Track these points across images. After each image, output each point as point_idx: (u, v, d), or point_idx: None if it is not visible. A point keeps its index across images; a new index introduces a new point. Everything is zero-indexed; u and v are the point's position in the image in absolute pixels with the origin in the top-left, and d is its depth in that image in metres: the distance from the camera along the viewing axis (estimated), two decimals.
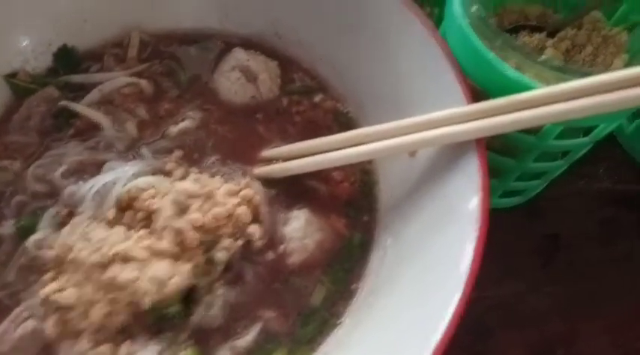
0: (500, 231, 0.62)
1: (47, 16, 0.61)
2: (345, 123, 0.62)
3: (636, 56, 0.52)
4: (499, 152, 0.56)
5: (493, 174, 0.55)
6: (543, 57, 0.56)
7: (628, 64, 0.52)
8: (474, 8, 0.49)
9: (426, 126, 0.49)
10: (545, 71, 0.46)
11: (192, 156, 0.59)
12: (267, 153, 0.59)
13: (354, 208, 0.57)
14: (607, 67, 0.54)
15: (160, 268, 0.49)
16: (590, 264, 0.65)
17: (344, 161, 0.54)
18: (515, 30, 0.60)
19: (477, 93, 0.50)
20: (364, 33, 0.59)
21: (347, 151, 0.53)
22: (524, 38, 0.59)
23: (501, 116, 0.45)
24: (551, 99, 0.43)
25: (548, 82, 0.45)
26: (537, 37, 0.58)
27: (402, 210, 0.53)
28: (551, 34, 0.58)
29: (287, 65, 0.65)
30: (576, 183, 0.70)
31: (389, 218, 0.55)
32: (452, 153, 0.49)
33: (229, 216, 0.52)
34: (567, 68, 0.48)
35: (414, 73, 0.55)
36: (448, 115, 0.48)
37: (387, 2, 0.56)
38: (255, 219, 0.54)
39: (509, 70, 0.47)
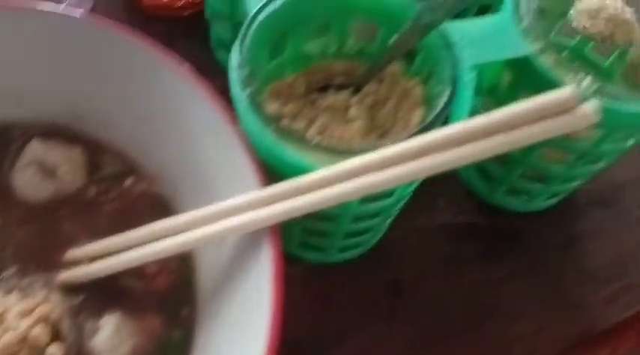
0: (342, 286, 0.61)
1: None
2: (159, 206, 0.58)
3: (431, 108, 0.52)
4: (318, 217, 0.54)
5: (320, 235, 0.57)
6: (350, 115, 0.56)
7: (424, 118, 0.52)
8: (248, 90, 0.47)
9: (230, 212, 0.47)
10: (322, 152, 0.44)
11: None
12: (72, 254, 0.54)
13: (172, 302, 0.53)
14: (406, 122, 0.53)
15: None
16: (435, 302, 0.65)
17: (154, 256, 0.50)
18: (324, 88, 0.59)
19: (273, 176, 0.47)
20: (168, 118, 0.56)
21: (157, 245, 0.49)
22: (330, 98, 0.58)
23: (293, 199, 0.43)
24: (336, 178, 0.42)
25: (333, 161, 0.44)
26: (343, 96, 0.57)
27: (218, 299, 0.51)
28: (357, 90, 0.58)
29: (93, 150, 0.61)
30: (416, 219, 0.69)
31: (207, 308, 0.52)
32: (250, 241, 0.47)
33: (23, 339, 0.47)
34: (339, 148, 0.46)
35: (216, 158, 0.53)
36: (245, 201, 0.46)
37: (186, 92, 0.52)
38: (56, 336, 0.49)
39: (287, 155, 0.45)
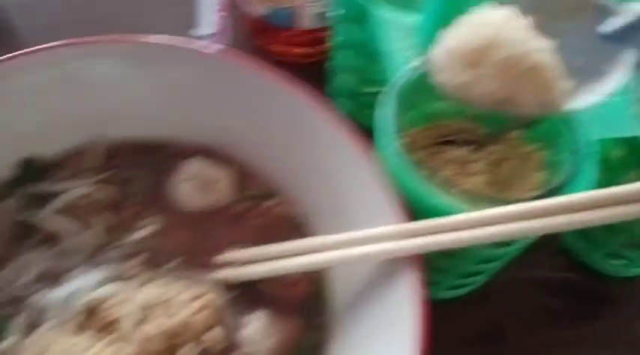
0: (446, 320, 0.68)
1: (12, 128, 0.65)
2: (295, 227, 0.67)
3: (552, 173, 0.60)
4: (443, 255, 0.62)
5: (438, 272, 0.63)
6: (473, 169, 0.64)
7: (545, 181, 0.60)
8: (399, 139, 0.56)
9: (367, 240, 0.55)
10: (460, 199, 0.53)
11: (154, 260, 0.62)
12: (224, 257, 0.63)
13: (307, 311, 0.61)
14: (526, 183, 0.61)
15: None
16: (535, 349, 0.71)
17: (295, 269, 0.59)
18: (446, 142, 0.68)
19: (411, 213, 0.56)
20: (313, 151, 0.65)
21: (298, 260, 0.58)
22: (456, 151, 0.66)
23: (436, 235, 0.52)
24: (472, 223, 0.51)
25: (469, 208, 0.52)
26: (465, 152, 0.66)
27: (352, 314, 0.59)
28: (477, 149, 0.66)
29: (243, 171, 0.71)
30: (514, 269, 0.76)
31: (340, 320, 0.60)
32: (391, 266, 0.55)
33: (191, 320, 0.56)
34: (475, 198, 0.54)
35: (352, 190, 0.61)
36: (385, 232, 0.54)
37: (331, 131, 0.61)
38: (216, 323, 0.57)
39: (431, 198, 0.54)
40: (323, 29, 0.86)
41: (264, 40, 0.95)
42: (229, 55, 0.65)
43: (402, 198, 0.56)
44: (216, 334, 0.56)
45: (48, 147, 0.68)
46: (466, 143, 0.68)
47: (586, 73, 0.54)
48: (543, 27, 0.51)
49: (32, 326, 0.56)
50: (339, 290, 0.62)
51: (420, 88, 0.62)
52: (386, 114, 0.58)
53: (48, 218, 0.63)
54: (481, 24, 0.51)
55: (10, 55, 0.61)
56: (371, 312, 0.56)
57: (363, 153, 0.59)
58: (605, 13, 0.53)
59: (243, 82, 0.65)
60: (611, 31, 0.53)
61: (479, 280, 0.69)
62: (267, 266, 0.60)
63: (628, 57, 0.53)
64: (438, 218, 0.53)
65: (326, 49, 0.86)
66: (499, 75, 0.49)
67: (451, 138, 0.69)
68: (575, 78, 0.53)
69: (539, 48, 0.49)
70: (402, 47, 0.64)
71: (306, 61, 0.94)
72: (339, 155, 0.62)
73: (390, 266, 0.55)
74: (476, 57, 0.50)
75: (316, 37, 0.89)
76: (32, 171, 0.67)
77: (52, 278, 0.59)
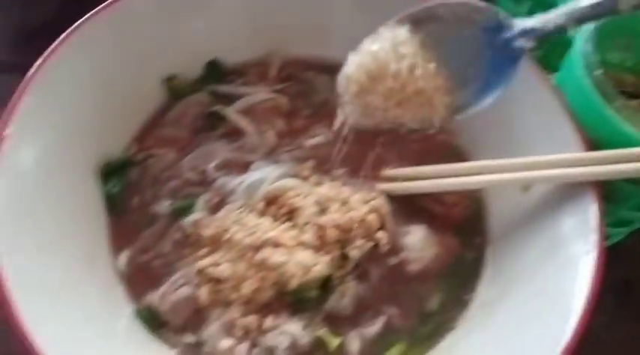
0: None
1: (206, 34, 0.70)
2: (456, 155, 0.69)
3: None
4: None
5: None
6: None
7: None
8: (598, 73, 0.58)
9: (540, 166, 0.57)
10: None
11: (323, 167, 0.67)
12: (388, 172, 0.67)
13: (465, 230, 0.64)
14: None
15: (305, 256, 0.57)
16: None
17: (460, 187, 0.62)
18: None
19: (588, 143, 0.58)
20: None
21: (464, 179, 0.61)
22: (622, 102, 0.67)
23: (619, 165, 0.54)
24: None
25: None
26: (635, 103, 0.67)
27: (512, 238, 0.61)
28: None
29: None
30: None
31: (498, 243, 0.63)
32: (566, 192, 0.56)
33: (362, 220, 0.60)
34: None
35: (528, 119, 0.63)
36: (563, 159, 0.56)
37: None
38: (382, 226, 0.61)
39: (628, 128, 0.55)
40: None
41: None
42: None
43: (582, 127, 0.58)
44: (382, 235, 0.60)
45: (231, 55, 0.73)
46: (633, 96, 0.69)
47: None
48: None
49: (217, 207, 0.62)
50: (500, 214, 0.64)
51: (609, 31, 0.63)
52: (584, 46, 0.59)
53: (232, 115, 0.68)
54: (372, 56, 0.56)
55: None
56: (535, 239, 0.58)
57: (543, 81, 0.61)
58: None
59: None
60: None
61: (618, 232, 0.70)
62: (430, 183, 0.63)
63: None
64: (620, 149, 0.54)
65: None
66: (385, 101, 0.56)
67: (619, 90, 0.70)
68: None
69: (423, 74, 0.55)
70: None
71: None
72: (516, 82, 0.62)
73: (563, 194, 0.57)
74: (365, 86, 0.56)
75: None
76: (216, 73, 0.72)
77: (235, 167, 0.64)
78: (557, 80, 0.64)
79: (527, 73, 0.62)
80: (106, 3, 0.60)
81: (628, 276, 0.74)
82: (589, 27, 0.61)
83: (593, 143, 0.58)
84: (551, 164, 0.57)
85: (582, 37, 0.61)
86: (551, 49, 0.78)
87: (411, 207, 0.65)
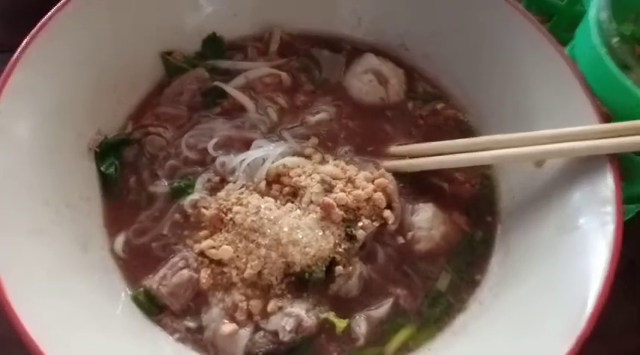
0: None
1: (206, 7, 0.68)
2: (465, 130, 0.67)
3: None
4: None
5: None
6: None
7: None
8: (615, 41, 0.55)
9: (554, 139, 0.55)
10: None
11: (326, 144, 0.65)
12: (394, 149, 0.64)
13: (475, 208, 0.62)
14: None
15: (309, 236, 0.54)
16: None
17: (469, 163, 0.60)
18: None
19: (603, 114, 0.55)
20: (489, 49, 0.65)
21: (473, 154, 0.59)
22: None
23: (636, 137, 0.51)
24: None
25: None
26: None
27: (524, 216, 0.59)
28: None
29: (411, 74, 0.71)
30: None
31: (509, 221, 0.61)
32: (581, 167, 0.54)
33: (367, 199, 0.58)
34: None
35: (539, 91, 0.60)
36: (577, 132, 0.54)
37: (514, 22, 0.61)
38: (389, 205, 0.59)
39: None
40: None
41: None
42: None
43: (596, 98, 0.55)
44: (388, 215, 0.58)
45: (230, 30, 0.70)
46: None
47: None
48: None
49: (217, 187, 0.60)
50: (511, 190, 0.62)
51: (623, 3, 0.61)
52: (599, 14, 0.57)
53: (232, 90, 0.66)
54: None
55: None
56: (549, 216, 0.55)
57: (555, 50, 0.58)
58: None
59: None
60: None
61: (629, 209, 0.67)
62: (437, 159, 0.60)
63: None
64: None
65: None
66: None
67: None
68: None
69: None
70: None
71: None
72: (526, 55, 0.61)
73: (577, 168, 0.54)
74: None
75: None
76: (215, 48, 0.69)
77: (236, 145, 0.62)
78: (568, 51, 0.62)
79: (538, 42, 0.60)
80: None
81: (634, 257, 0.72)
82: None
83: (607, 115, 0.56)
84: (565, 137, 0.55)
85: (596, 5, 0.58)
86: (558, 21, 0.76)
87: (418, 184, 0.62)
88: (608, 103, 0.56)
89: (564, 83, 0.57)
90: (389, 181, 0.60)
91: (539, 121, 0.59)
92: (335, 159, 0.62)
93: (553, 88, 0.59)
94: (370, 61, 0.69)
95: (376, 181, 0.59)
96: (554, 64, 0.59)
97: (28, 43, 0.53)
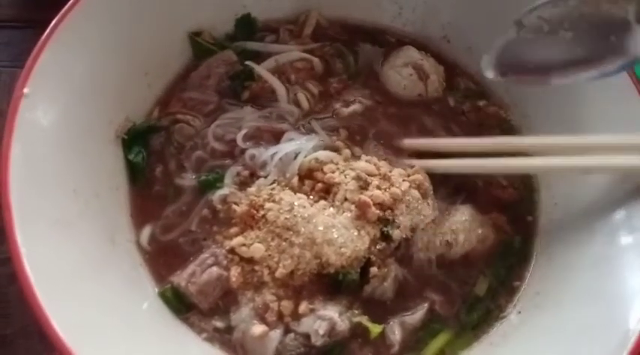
0: None
1: None
2: (507, 129, 0.66)
3: None
4: None
5: None
6: None
7: None
8: None
9: (604, 149, 0.54)
10: None
11: (355, 138, 0.63)
12: (427, 143, 0.63)
13: (514, 212, 0.61)
14: None
15: (345, 236, 0.53)
16: None
17: (510, 171, 0.60)
18: None
19: None
20: None
21: (515, 161, 0.58)
22: None
23: None
24: None
25: None
26: None
27: (567, 224, 0.58)
28: None
29: (452, 69, 0.70)
30: None
31: (551, 228, 0.60)
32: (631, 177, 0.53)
33: (403, 197, 0.56)
34: None
35: (589, 90, 0.58)
36: (630, 142, 0.52)
37: None
38: (426, 201, 0.57)
39: None
40: None
41: None
42: None
43: None
44: (427, 214, 0.57)
45: (266, 9, 0.69)
46: None
47: None
48: None
49: (247, 181, 0.58)
50: (554, 196, 0.61)
51: None
52: None
53: (262, 72, 0.64)
54: None
55: None
56: (594, 227, 0.54)
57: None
58: None
59: None
60: None
61: None
62: (474, 163, 0.59)
63: None
64: None
65: None
66: None
67: None
68: None
69: None
70: None
71: None
72: None
73: (629, 178, 0.53)
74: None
75: None
76: (248, 29, 0.68)
77: (266, 137, 0.61)
78: None
79: None
80: None
81: None
82: None
83: None
84: (616, 147, 0.54)
85: None
86: None
87: (455, 183, 0.61)
88: None
89: (618, 84, 0.55)
90: (424, 178, 0.58)
91: (587, 122, 0.58)
92: (366, 154, 0.61)
93: (605, 88, 0.56)
94: (411, 54, 0.68)
95: (411, 178, 0.58)
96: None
97: (59, 20, 0.51)
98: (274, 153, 0.58)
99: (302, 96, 0.64)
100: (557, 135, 0.58)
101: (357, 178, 0.56)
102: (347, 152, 0.60)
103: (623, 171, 0.54)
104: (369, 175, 0.57)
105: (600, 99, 0.57)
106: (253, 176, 0.58)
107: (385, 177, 0.57)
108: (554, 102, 0.62)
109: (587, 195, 0.57)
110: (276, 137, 0.61)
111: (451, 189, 0.61)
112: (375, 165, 0.59)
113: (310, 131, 0.62)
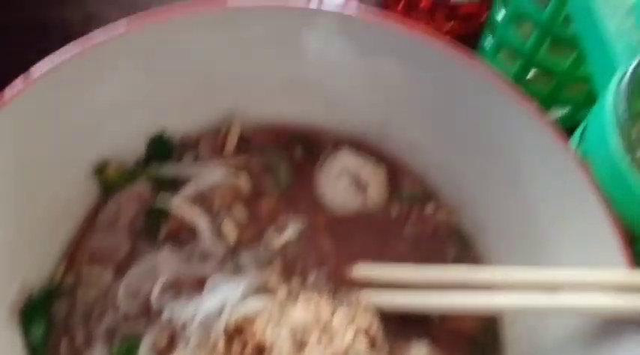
0: None
1: (146, 103, 0.58)
2: (461, 243, 0.60)
3: None
4: None
5: None
6: None
7: None
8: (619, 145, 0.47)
9: (571, 282, 0.47)
10: None
11: (294, 269, 0.56)
12: (372, 272, 0.56)
13: (477, 347, 0.55)
14: None
15: None
16: None
17: (471, 311, 0.53)
18: None
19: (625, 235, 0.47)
20: (488, 145, 0.56)
21: (476, 298, 0.51)
22: None
23: None
24: None
25: None
26: None
27: None
28: None
29: (394, 169, 0.63)
30: None
31: None
32: (601, 328, 0.47)
33: (347, 349, 0.50)
34: None
35: (545, 197, 0.52)
36: (602, 278, 0.46)
37: (521, 119, 0.52)
38: (376, 350, 0.51)
39: None
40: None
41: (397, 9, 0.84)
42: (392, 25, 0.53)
43: (619, 218, 0.47)
44: None
45: (181, 125, 0.61)
46: None
47: None
48: None
49: (168, 348, 0.51)
50: (516, 332, 0.55)
51: None
52: (610, 108, 0.49)
53: (179, 208, 0.57)
54: None
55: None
56: None
57: (568, 151, 0.50)
58: None
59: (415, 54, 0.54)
60: None
61: None
62: (430, 301, 0.52)
63: None
64: None
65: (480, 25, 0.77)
66: None
67: None
68: None
69: None
70: (622, 29, 0.53)
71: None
72: (532, 153, 0.52)
73: (600, 328, 0.47)
74: None
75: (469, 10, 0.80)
76: (163, 149, 0.60)
77: (186, 286, 0.54)
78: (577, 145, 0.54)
79: (542, 138, 0.51)
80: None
81: None
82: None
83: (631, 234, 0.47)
84: (592, 284, 0.47)
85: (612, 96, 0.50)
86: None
87: (409, 316, 0.54)
88: (632, 220, 0.48)
89: (577, 192, 0.49)
90: (372, 320, 0.52)
91: (551, 246, 0.52)
92: (305, 292, 0.54)
93: (561, 195, 0.51)
94: (345, 160, 0.61)
95: (356, 322, 0.51)
96: (568, 177, 0.50)
97: None
98: (194, 312, 0.51)
99: (228, 227, 0.57)
100: (522, 268, 0.51)
101: (292, 334, 0.50)
102: (282, 293, 0.53)
103: (602, 313, 0.47)
104: (306, 329, 0.50)
105: (558, 202, 0.51)
106: (173, 342, 0.51)
107: (326, 329, 0.51)
108: (509, 204, 0.56)
109: (555, 327, 0.50)
110: (200, 283, 0.54)
111: (406, 323, 0.54)
112: (314, 309, 0.52)
113: (239, 268, 0.55)
